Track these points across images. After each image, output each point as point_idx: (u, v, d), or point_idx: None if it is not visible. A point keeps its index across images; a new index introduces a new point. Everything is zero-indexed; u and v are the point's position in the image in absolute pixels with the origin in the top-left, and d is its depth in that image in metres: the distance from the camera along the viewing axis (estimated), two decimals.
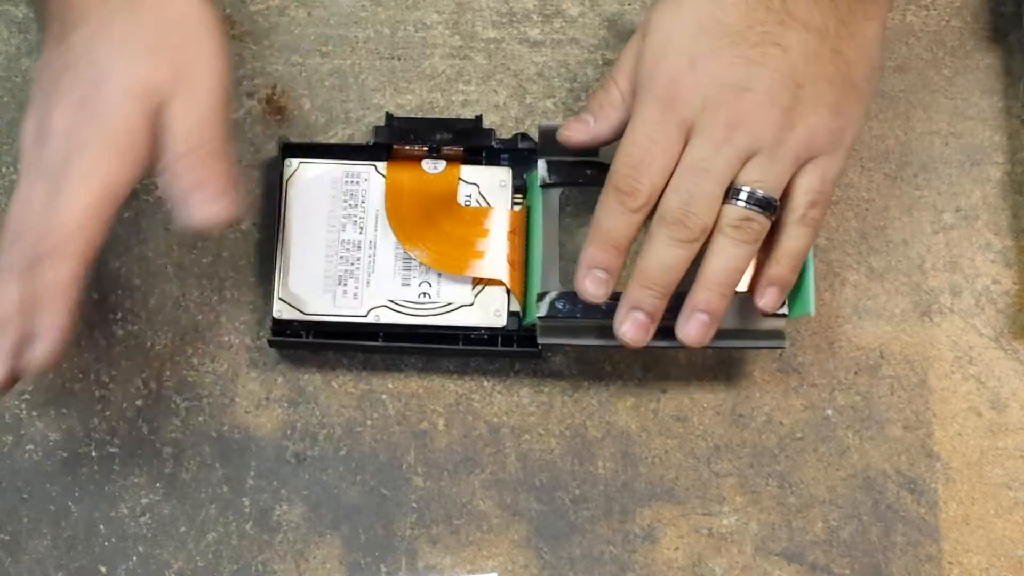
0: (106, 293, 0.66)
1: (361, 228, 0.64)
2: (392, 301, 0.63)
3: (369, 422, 0.65)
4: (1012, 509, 0.64)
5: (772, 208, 0.57)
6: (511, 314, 0.63)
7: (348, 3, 0.70)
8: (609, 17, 0.70)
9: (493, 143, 0.65)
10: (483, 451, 0.65)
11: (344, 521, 0.64)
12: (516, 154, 0.65)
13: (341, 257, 0.63)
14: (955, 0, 0.70)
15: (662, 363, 0.66)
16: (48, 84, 0.56)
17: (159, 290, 0.66)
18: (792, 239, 0.58)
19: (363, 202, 0.64)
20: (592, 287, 0.58)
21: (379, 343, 0.63)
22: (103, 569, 0.63)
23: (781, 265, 0.59)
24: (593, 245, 0.58)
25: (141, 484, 0.64)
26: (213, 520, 0.64)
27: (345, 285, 0.63)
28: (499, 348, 0.63)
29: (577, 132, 0.61)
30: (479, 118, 0.65)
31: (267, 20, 0.70)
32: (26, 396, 0.65)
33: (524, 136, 0.65)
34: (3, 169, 0.68)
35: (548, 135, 0.62)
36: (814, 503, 0.64)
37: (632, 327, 0.58)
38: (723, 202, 0.57)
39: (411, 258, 0.63)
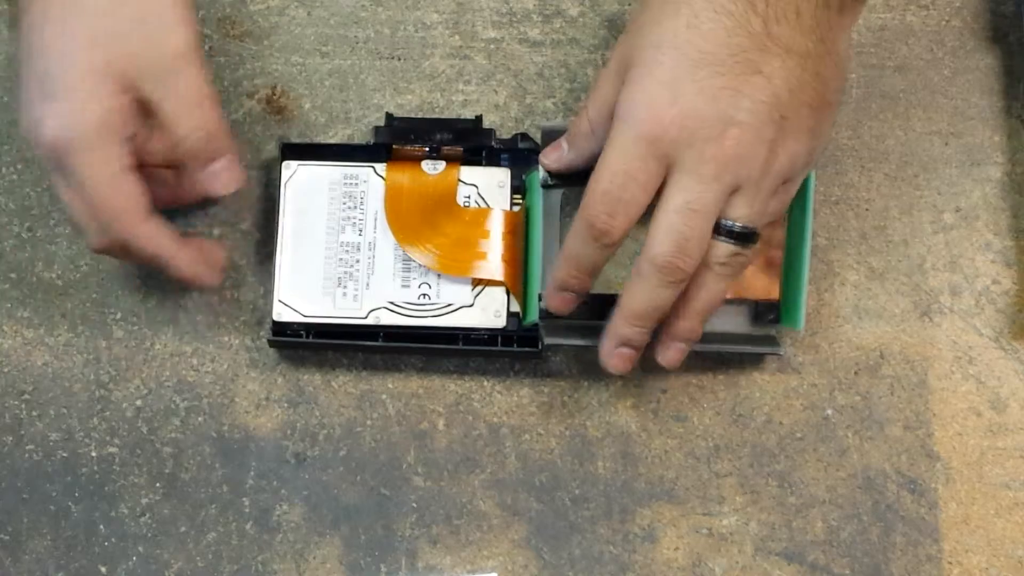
0: (106, 293, 0.66)
1: (360, 230, 0.64)
2: (392, 303, 0.63)
3: (369, 422, 0.65)
4: (1012, 509, 0.64)
5: (757, 238, 0.57)
6: (511, 314, 0.63)
7: (348, 3, 0.70)
8: (609, 17, 0.70)
9: (493, 143, 0.65)
10: (483, 451, 0.65)
11: (344, 521, 0.64)
12: (516, 154, 0.65)
13: (340, 259, 0.63)
14: (955, 0, 0.70)
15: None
16: (21, 79, 0.58)
17: (159, 290, 0.66)
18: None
19: (362, 204, 0.64)
20: (561, 306, 0.60)
21: (379, 343, 0.63)
22: (103, 569, 0.63)
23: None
24: (563, 270, 0.58)
25: (141, 484, 0.64)
26: (213, 520, 0.64)
27: (345, 287, 0.63)
28: (499, 348, 0.63)
29: (551, 160, 0.61)
30: (479, 118, 0.65)
31: (267, 20, 0.69)
32: (26, 396, 0.65)
33: (524, 136, 0.65)
34: (3, 169, 0.68)
35: (550, 136, 0.62)
36: (814, 503, 0.64)
37: (620, 360, 0.59)
38: (712, 235, 0.56)
39: (410, 259, 0.63)
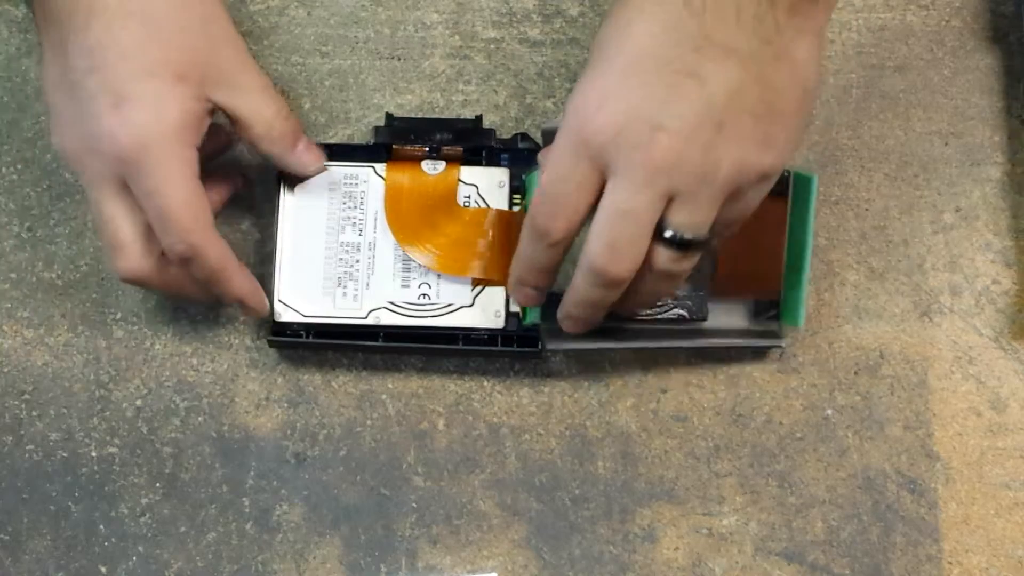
0: (106, 293, 0.66)
1: (360, 230, 0.64)
2: (391, 303, 0.63)
3: (369, 422, 0.65)
4: (1012, 509, 0.64)
5: (704, 244, 0.55)
6: (510, 315, 0.63)
7: (348, 3, 0.70)
8: None
9: (493, 143, 0.65)
10: (483, 451, 0.65)
11: (344, 521, 0.64)
12: (516, 154, 0.65)
13: (340, 259, 0.63)
14: (955, 0, 0.70)
15: (662, 363, 0.66)
16: (65, 93, 0.57)
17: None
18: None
19: (362, 204, 0.64)
20: (525, 300, 0.61)
21: (379, 343, 0.63)
22: (103, 569, 0.63)
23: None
24: (516, 268, 0.59)
25: (141, 484, 0.64)
26: (213, 520, 0.64)
27: (344, 287, 0.63)
28: (499, 348, 0.63)
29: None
30: (479, 118, 0.65)
31: (267, 20, 0.69)
32: (26, 396, 0.65)
33: (524, 136, 0.65)
34: (3, 169, 0.68)
35: (550, 137, 0.62)
36: (814, 503, 0.64)
37: (570, 327, 0.60)
38: (652, 239, 0.54)
39: (410, 259, 0.63)
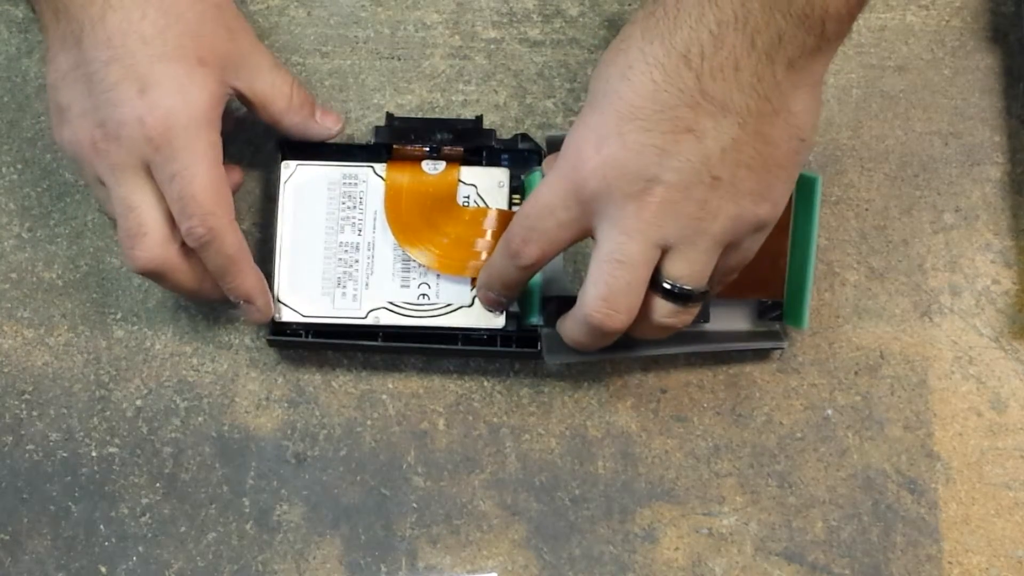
0: (106, 293, 0.66)
1: (360, 230, 0.64)
2: (391, 303, 0.63)
3: (369, 422, 0.65)
4: (1012, 509, 0.64)
5: (703, 296, 0.55)
6: (510, 315, 0.63)
7: (348, 3, 0.70)
8: (609, 17, 0.70)
9: (493, 144, 0.65)
10: (483, 451, 0.65)
11: (344, 521, 0.64)
12: (516, 155, 0.65)
13: (340, 259, 0.63)
14: (955, 0, 0.70)
15: (662, 363, 0.66)
16: (79, 85, 0.57)
17: (159, 290, 0.66)
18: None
19: (361, 204, 0.64)
20: (489, 305, 0.62)
21: (379, 343, 0.63)
22: (103, 569, 0.63)
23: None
24: (486, 275, 0.60)
25: (141, 484, 0.64)
26: (213, 520, 0.64)
27: (344, 287, 0.63)
28: (499, 348, 0.63)
29: None
30: (479, 118, 0.65)
31: (267, 20, 0.69)
32: (26, 396, 0.65)
33: (524, 137, 0.65)
34: (3, 169, 0.68)
35: (553, 147, 0.62)
36: (814, 503, 0.64)
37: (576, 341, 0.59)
38: (650, 290, 0.54)
39: (410, 259, 0.63)
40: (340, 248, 0.64)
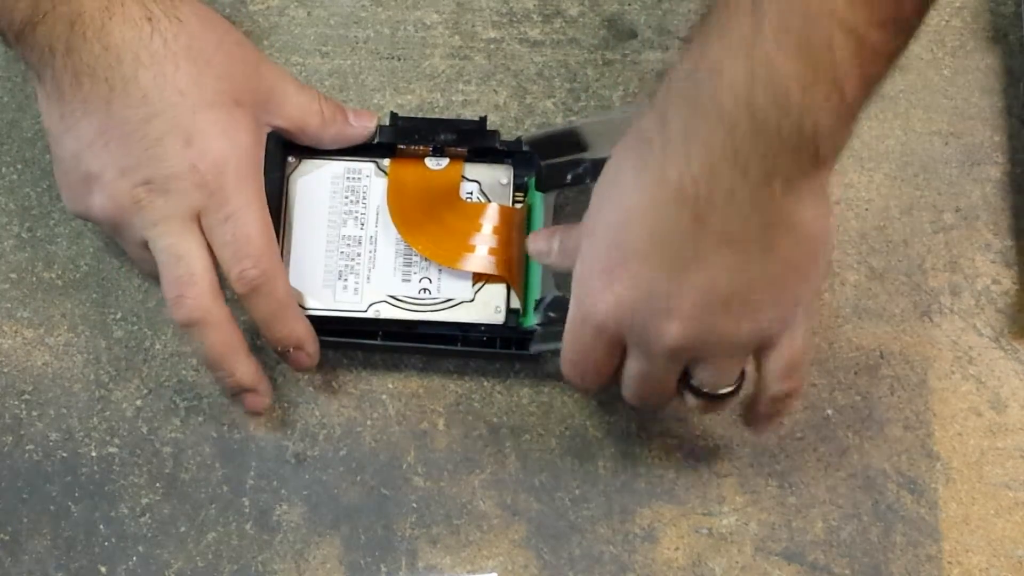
0: (106, 293, 0.66)
1: (362, 224, 0.64)
2: (392, 296, 0.63)
3: (369, 422, 0.65)
4: (1012, 509, 0.64)
5: (734, 395, 0.56)
6: (510, 311, 0.63)
7: (348, 3, 0.70)
8: (609, 17, 0.70)
9: (497, 145, 0.64)
10: (483, 451, 0.65)
11: (344, 521, 0.64)
12: (519, 157, 0.64)
13: (342, 252, 0.63)
14: (955, 0, 0.70)
15: None
16: (113, 146, 0.57)
17: (159, 290, 0.66)
18: (768, 408, 0.57)
19: (364, 198, 0.64)
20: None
21: (379, 342, 0.63)
22: (103, 569, 0.63)
23: (760, 423, 0.59)
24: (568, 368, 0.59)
25: (141, 484, 0.64)
26: (213, 520, 0.64)
27: (345, 280, 0.63)
28: (497, 350, 0.63)
29: (538, 250, 0.61)
30: (483, 119, 0.65)
31: (267, 20, 0.69)
32: (26, 396, 0.65)
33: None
34: (3, 169, 0.68)
35: (537, 145, 0.62)
36: (814, 503, 0.64)
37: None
38: (680, 382, 0.56)
39: (412, 253, 0.63)
40: (342, 241, 0.64)
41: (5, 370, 0.65)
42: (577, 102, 0.69)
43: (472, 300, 0.63)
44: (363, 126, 0.64)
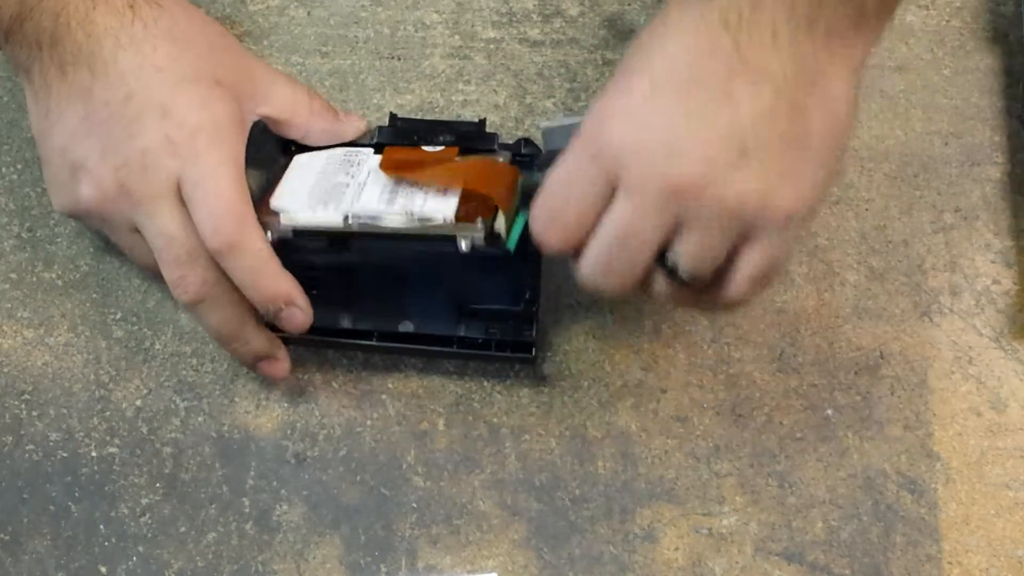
0: (106, 293, 0.66)
1: (352, 176, 0.62)
2: (374, 216, 0.59)
3: (369, 422, 0.65)
4: (1012, 509, 0.64)
5: (702, 283, 0.53)
6: (494, 236, 0.59)
7: (348, 3, 0.70)
8: (609, 17, 0.70)
9: (496, 147, 0.64)
10: (483, 451, 0.65)
11: (344, 521, 0.64)
12: (519, 159, 0.64)
13: (330, 189, 0.61)
14: (955, 0, 0.70)
15: (662, 363, 0.66)
16: (95, 131, 0.57)
17: (159, 290, 0.66)
18: (711, 307, 0.55)
19: (359, 166, 0.62)
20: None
21: (375, 343, 0.63)
22: (103, 569, 0.63)
23: (704, 306, 0.56)
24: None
25: (141, 484, 0.64)
26: (213, 520, 0.64)
27: (328, 203, 0.60)
28: (492, 353, 0.63)
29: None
30: (483, 122, 0.65)
31: (267, 20, 0.70)
32: (26, 396, 0.65)
33: (527, 141, 0.64)
34: (3, 169, 0.68)
35: (552, 136, 0.60)
36: (814, 503, 0.64)
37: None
38: (655, 262, 0.53)
39: (397, 190, 0.60)
40: (333, 186, 0.61)
41: (5, 370, 0.65)
42: (577, 102, 0.69)
43: (454, 222, 0.59)
44: (352, 125, 0.64)
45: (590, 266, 0.53)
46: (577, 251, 0.54)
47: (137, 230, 0.58)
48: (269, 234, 0.59)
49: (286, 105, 0.62)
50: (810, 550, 0.64)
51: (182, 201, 0.57)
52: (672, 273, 0.53)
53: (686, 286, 0.53)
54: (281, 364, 0.62)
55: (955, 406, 0.66)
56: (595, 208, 0.52)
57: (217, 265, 0.57)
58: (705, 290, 0.54)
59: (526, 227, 0.57)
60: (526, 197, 0.60)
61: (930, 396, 0.66)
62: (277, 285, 0.58)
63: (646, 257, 0.52)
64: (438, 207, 0.58)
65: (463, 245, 0.58)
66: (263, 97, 0.61)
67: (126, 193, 0.57)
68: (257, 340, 0.61)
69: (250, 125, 0.60)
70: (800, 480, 0.65)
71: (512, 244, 0.59)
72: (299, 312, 0.59)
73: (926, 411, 0.66)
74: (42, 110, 0.59)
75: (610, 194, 0.52)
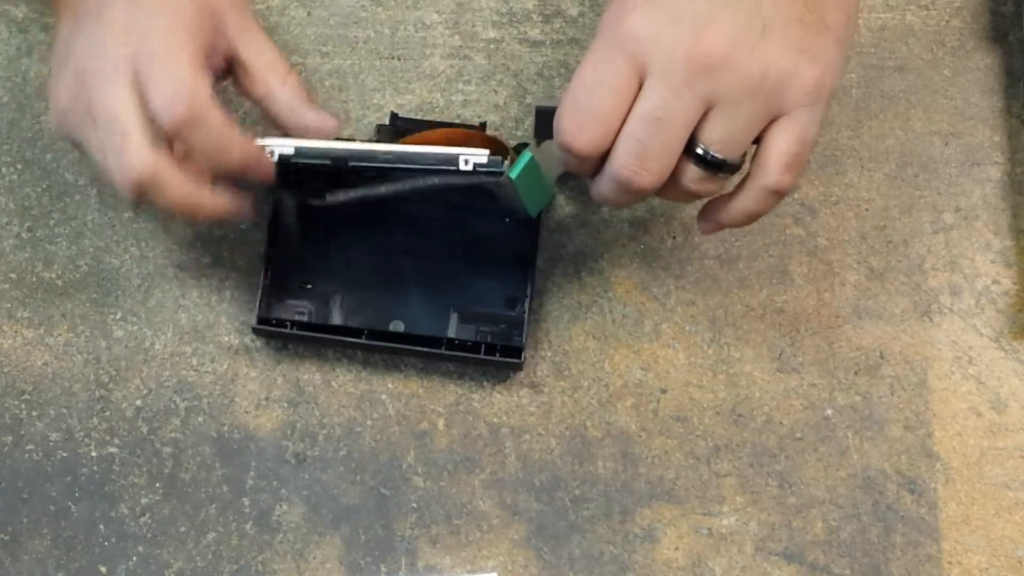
0: (106, 293, 0.66)
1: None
2: (370, 151, 0.58)
3: (369, 422, 0.65)
4: (1012, 509, 0.64)
5: (735, 168, 0.53)
6: (487, 165, 0.57)
7: (348, 3, 0.70)
8: None
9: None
10: (483, 451, 0.65)
11: (344, 521, 0.64)
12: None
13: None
14: (955, 0, 0.70)
15: (662, 363, 0.66)
16: (76, 34, 0.57)
17: (159, 290, 0.66)
18: (754, 202, 0.55)
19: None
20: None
21: (369, 341, 0.63)
22: (103, 569, 0.63)
23: (733, 217, 0.56)
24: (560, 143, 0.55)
25: (141, 484, 0.64)
26: (213, 520, 0.64)
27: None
28: (482, 356, 0.63)
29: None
30: (483, 125, 0.65)
31: (267, 20, 0.69)
32: (26, 396, 0.65)
33: (528, 145, 0.64)
34: (3, 169, 0.68)
35: (545, 117, 0.58)
36: (814, 503, 0.64)
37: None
38: (683, 153, 0.53)
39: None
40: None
41: (5, 370, 0.65)
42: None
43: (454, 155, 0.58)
44: (320, 118, 0.59)
45: (622, 160, 0.53)
46: (596, 167, 0.54)
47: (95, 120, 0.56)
48: (271, 152, 0.58)
49: (263, 57, 0.59)
50: (810, 550, 0.64)
51: (136, 87, 0.55)
52: (703, 160, 0.53)
53: (718, 174, 0.53)
54: (247, 206, 0.59)
55: (955, 406, 0.66)
56: (625, 100, 0.52)
57: (161, 146, 0.55)
58: (736, 184, 0.54)
59: (529, 164, 0.56)
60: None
61: (930, 396, 0.66)
62: (244, 150, 0.56)
63: (679, 140, 0.52)
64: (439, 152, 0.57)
65: (464, 164, 0.56)
66: (246, 39, 0.59)
67: (83, 81, 0.56)
68: (215, 199, 0.57)
69: (223, 53, 0.58)
70: (800, 480, 0.65)
71: (515, 174, 0.57)
72: (264, 166, 0.58)
73: (926, 411, 0.65)
74: (68, 25, 0.58)
75: (637, 85, 0.52)
